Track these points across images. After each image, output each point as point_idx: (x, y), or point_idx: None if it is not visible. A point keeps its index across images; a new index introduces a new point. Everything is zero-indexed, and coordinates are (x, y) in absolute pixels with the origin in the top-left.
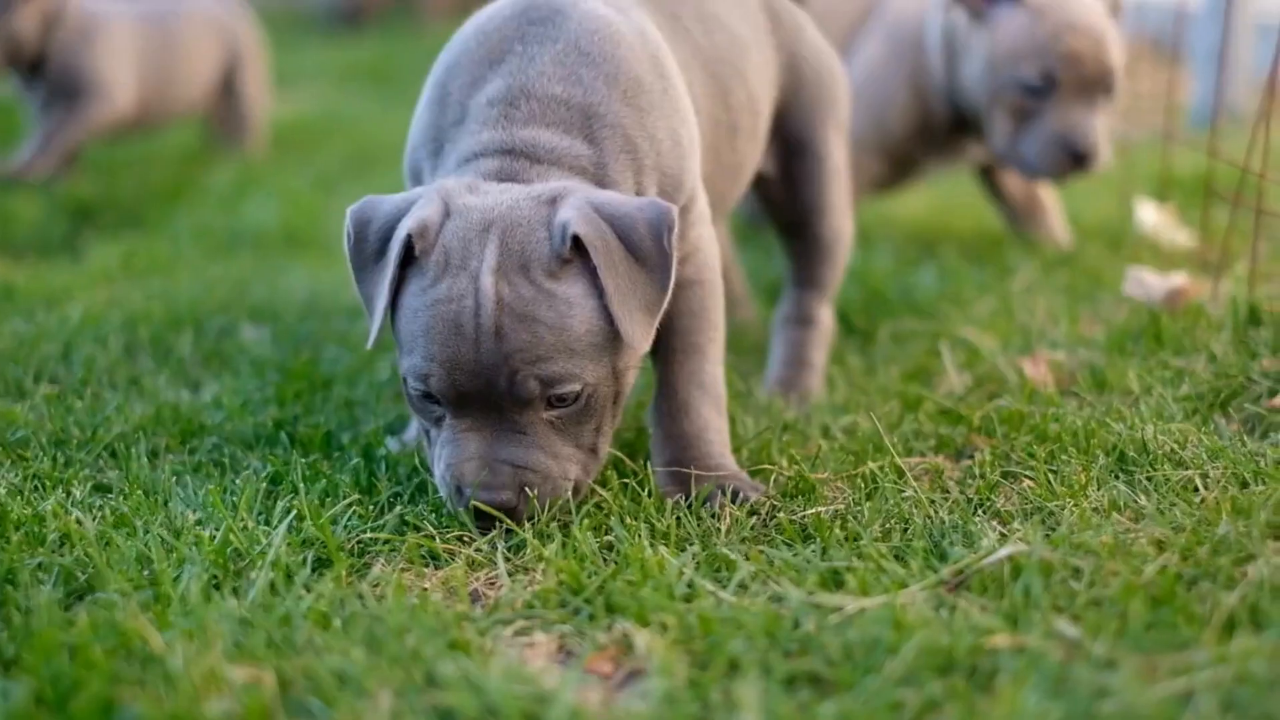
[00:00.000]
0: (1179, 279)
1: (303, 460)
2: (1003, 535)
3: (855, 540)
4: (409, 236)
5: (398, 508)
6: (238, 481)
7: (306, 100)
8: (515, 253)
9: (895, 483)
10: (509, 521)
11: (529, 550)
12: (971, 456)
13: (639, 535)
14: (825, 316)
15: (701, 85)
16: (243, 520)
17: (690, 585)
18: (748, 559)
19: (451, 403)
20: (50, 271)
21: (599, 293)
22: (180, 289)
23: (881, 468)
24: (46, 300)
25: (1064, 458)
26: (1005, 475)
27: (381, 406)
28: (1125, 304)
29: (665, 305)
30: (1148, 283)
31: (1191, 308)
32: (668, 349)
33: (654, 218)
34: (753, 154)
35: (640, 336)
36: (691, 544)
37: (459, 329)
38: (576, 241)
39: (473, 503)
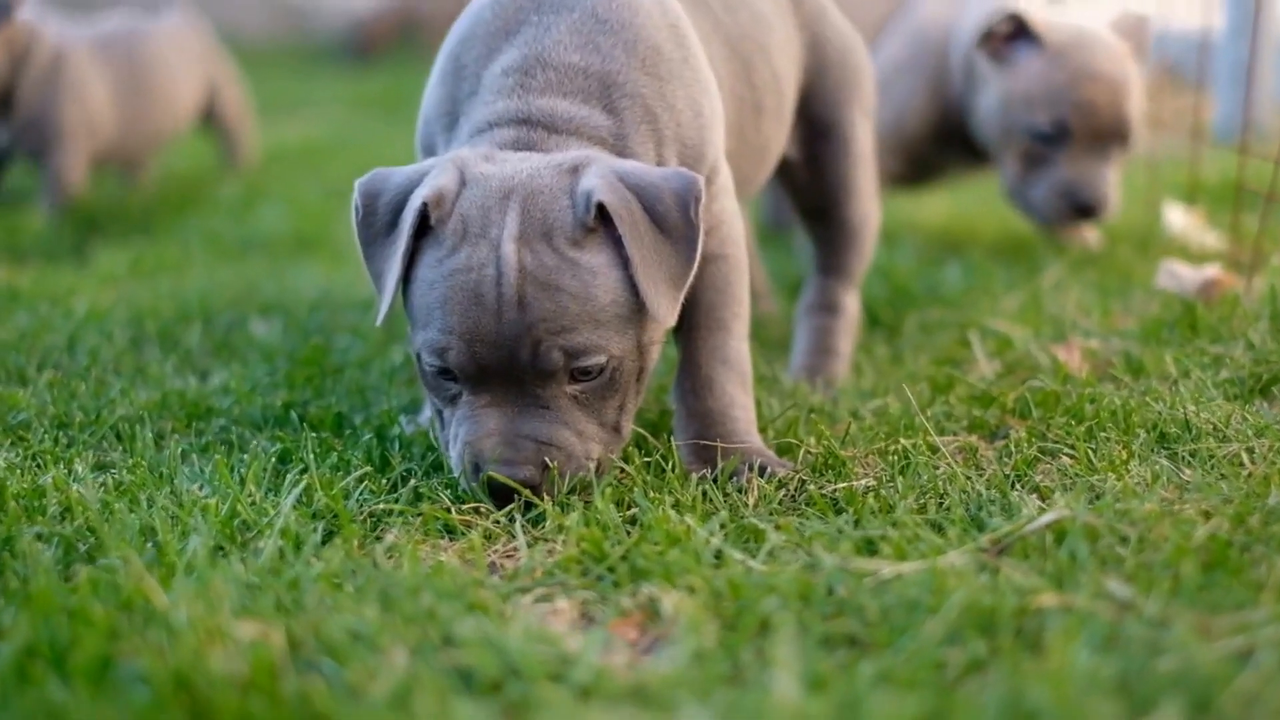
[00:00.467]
0: (1213, 270)
1: (313, 436)
2: (1042, 508)
3: (889, 511)
4: (424, 206)
5: (412, 482)
6: (245, 457)
7: (318, 125)
8: (537, 220)
9: (929, 458)
10: (528, 494)
11: (548, 522)
12: (1006, 436)
13: (663, 507)
14: (851, 304)
15: (724, 61)
16: (250, 493)
17: (718, 555)
18: (777, 529)
19: (470, 378)
20: (56, 274)
21: (623, 264)
22: (189, 287)
23: (914, 445)
24: (51, 300)
25: (1103, 435)
26: (1043, 452)
27: (395, 391)
28: (1157, 298)
29: (691, 279)
30: (1181, 274)
31: (1227, 298)
32: (691, 325)
33: (680, 188)
34: (777, 136)
35: (666, 309)
36: (718, 515)
37: (479, 299)
38: (600, 211)
39: (490, 475)
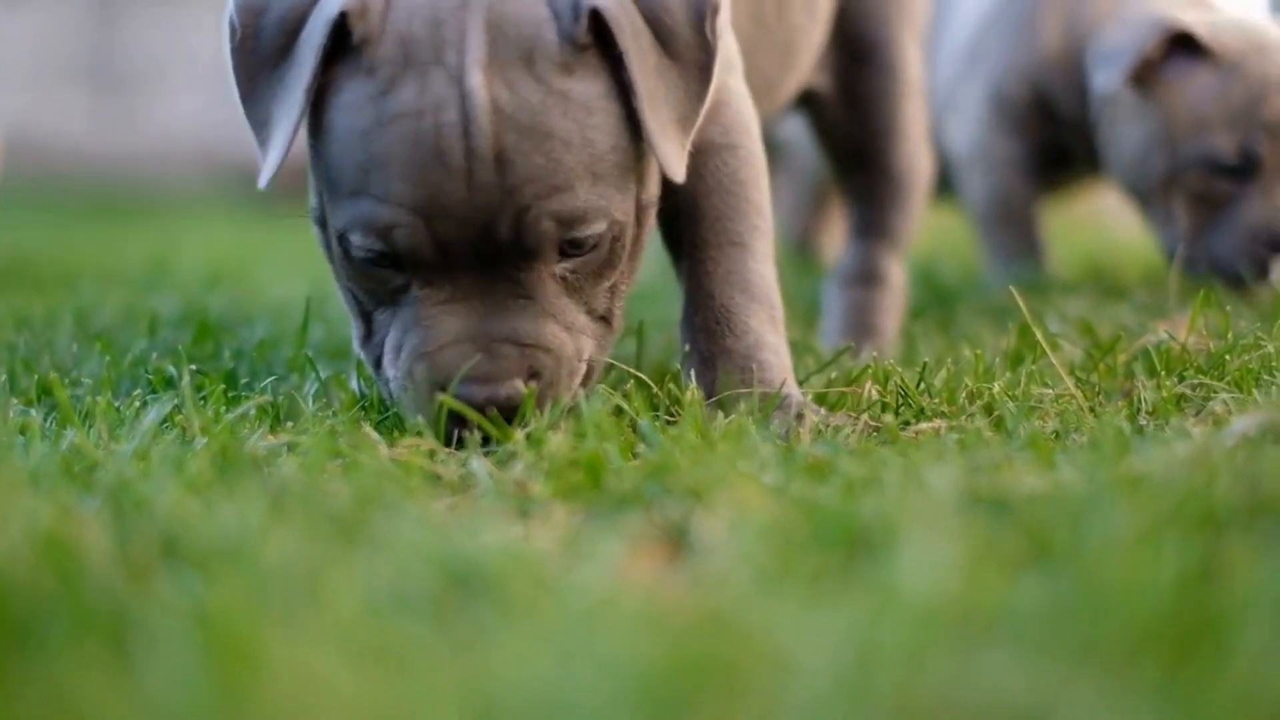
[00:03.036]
0: None
1: (198, 393)
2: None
3: (1007, 434)
4: (342, 16)
5: (329, 422)
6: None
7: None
8: (510, 39)
9: (1041, 392)
10: (493, 432)
11: (520, 458)
12: (1127, 396)
13: (684, 436)
14: (896, 274)
15: None
16: (98, 430)
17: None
18: (852, 455)
19: (425, 265)
20: None
21: (621, 94)
22: (68, 300)
23: (1014, 394)
24: None
25: (1267, 378)
26: (1186, 398)
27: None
28: (1268, 292)
29: (701, 119)
30: None
31: None
32: (695, 242)
33: None
34: (806, 31)
35: (676, 159)
36: (759, 445)
37: (440, 155)
38: (594, 21)
39: (453, 399)
